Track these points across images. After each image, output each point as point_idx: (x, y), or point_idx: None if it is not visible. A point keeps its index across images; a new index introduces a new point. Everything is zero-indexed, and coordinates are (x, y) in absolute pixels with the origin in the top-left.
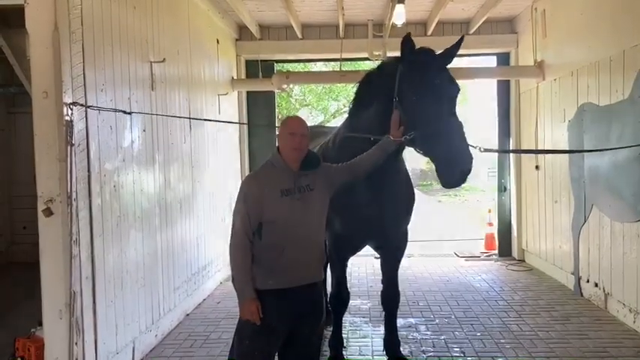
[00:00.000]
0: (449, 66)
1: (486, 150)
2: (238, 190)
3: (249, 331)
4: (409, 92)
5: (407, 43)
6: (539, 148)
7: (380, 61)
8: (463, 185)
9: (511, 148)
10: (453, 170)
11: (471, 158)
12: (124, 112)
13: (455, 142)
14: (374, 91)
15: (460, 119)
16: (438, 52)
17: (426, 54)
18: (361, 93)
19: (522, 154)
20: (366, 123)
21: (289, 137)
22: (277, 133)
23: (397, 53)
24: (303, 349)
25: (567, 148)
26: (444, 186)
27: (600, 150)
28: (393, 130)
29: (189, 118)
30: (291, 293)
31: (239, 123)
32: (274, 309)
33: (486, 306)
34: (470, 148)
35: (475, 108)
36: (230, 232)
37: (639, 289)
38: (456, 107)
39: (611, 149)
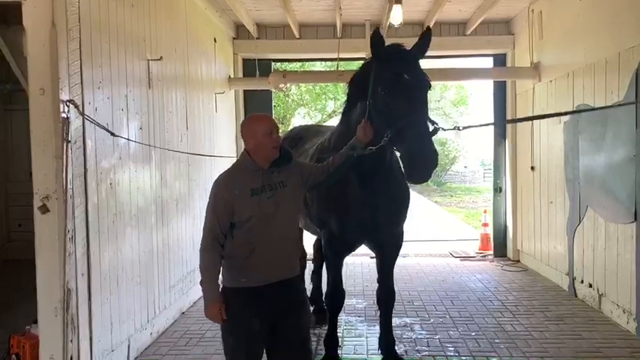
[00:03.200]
0: (443, 66)
1: (465, 127)
2: (209, 192)
3: (227, 330)
4: (379, 89)
5: (375, 39)
6: (535, 149)
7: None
8: (455, 186)
9: (504, 146)
10: (416, 165)
11: (434, 155)
12: (112, 133)
13: (418, 137)
14: (357, 92)
15: (428, 113)
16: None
17: (394, 49)
18: (348, 94)
19: (517, 154)
20: (354, 124)
21: (268, 138)
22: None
23: None
24: (291, 346)
25: (562, 150)
26: (408, 181)
27: (591, 152)
28: (359, 133)
29: (187, 153)
30: (264, 291)
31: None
32: (248, 307)
33: (481, 306)
34: (433, 146)
35: (473, 109)
36: (202, 233)
37: (633, 290)
38: (427, 101)
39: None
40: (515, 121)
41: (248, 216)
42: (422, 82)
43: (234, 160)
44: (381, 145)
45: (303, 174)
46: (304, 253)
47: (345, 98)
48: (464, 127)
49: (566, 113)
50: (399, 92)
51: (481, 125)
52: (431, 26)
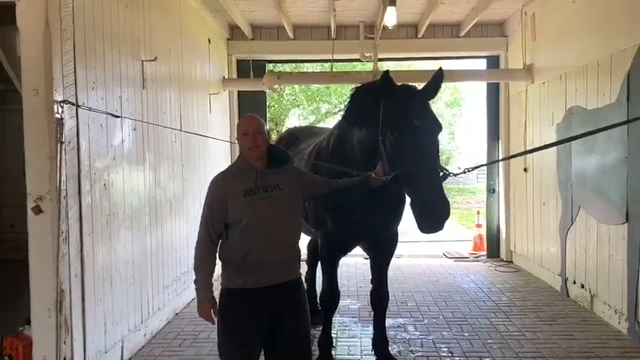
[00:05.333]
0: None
1: (474, 168)
2: (206, 192)
3: (226, 330)
4: (389, 131)
5: (386, 81)
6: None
7: (369, 76)
8: (448, 186)
9: (497, 147)
10: (429, 218)
11: (447, 206)
12: (115, 116)
13: (430, 188)
14: (360, 116)
15: (438, 158)
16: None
17: (405, 93)
18: (347, 112)
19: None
20: (356, 144)
21: (243, 138)
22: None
23: (388, 55)
24: (289, 349)
25: (555, 152)
26: (421, 231)
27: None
28: (379, 171)
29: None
30: (260, 293)
31: (229, 141)
32: (246, 308)
33: (474, 306)
34: (446, 197)
35: (467, 110)
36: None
37: (625, 290)
38: (437, 146)
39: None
40: (515, 155)
41: (240, 217)
42: (432, 128)
43: (229, 157)
44: (382, 180)
45: (301, 181)
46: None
47: (345, 112)
48: (472, 168)
49: (567, 140)
50: (409, 138)
51: (487, 164)
52: (424, 28)
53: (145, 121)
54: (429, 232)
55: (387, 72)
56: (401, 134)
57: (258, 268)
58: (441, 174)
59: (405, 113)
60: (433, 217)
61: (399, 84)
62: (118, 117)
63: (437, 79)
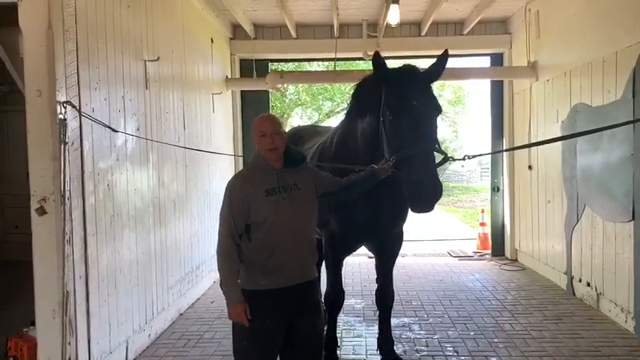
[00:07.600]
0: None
1: (474, 156)
2: (223, 192)
3: (245, 332)
4: (388, 111)
5: (376, 61)
6: (533, 148)
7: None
8: (452, 185)
9: (501, 145)
10: (418, 197)
11: (438, 187)
12: (113, 129)
13: (421, 168)
14: (362, 107)
15: (436, 141)
16: (429, 63)
17: (406, 74)
18: (350, 106)
19: (514, 152)
20: (360, 136)
21: (261, 140)
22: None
23: (391, 53)
24: (305, 348)
25: (560, 149)
26: (412, 211)
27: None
28: (382, 161)
29: (186, 148)
30: (284, 293)
31: (234, 155)
32: (268, 309)
33: (479, 305)
34: (438, 176)
35: (470, 108)
36: (217, 236)
37: (631, 288)
38: (435, 128)
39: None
40: (517, 148)
41: (263, 217)
42: (430, 109)
43: (232, 157)
44: (388, 172)
45: (316, 180)
46: None
47: (348, 108)
48: (473, 156)
49: (564, 137)
50: (405, 119)
51: (487, 154)
52: (427, 26)
53: (146, 138)
54: (419, 212)
55: (376, 53)
56: (399, 114)
57: (282, 269)
58: (442, 157)
59: (404, 93)
60: (424, 198)
61: (402, 65)
62: (116, 131)
63: (441, 61)
